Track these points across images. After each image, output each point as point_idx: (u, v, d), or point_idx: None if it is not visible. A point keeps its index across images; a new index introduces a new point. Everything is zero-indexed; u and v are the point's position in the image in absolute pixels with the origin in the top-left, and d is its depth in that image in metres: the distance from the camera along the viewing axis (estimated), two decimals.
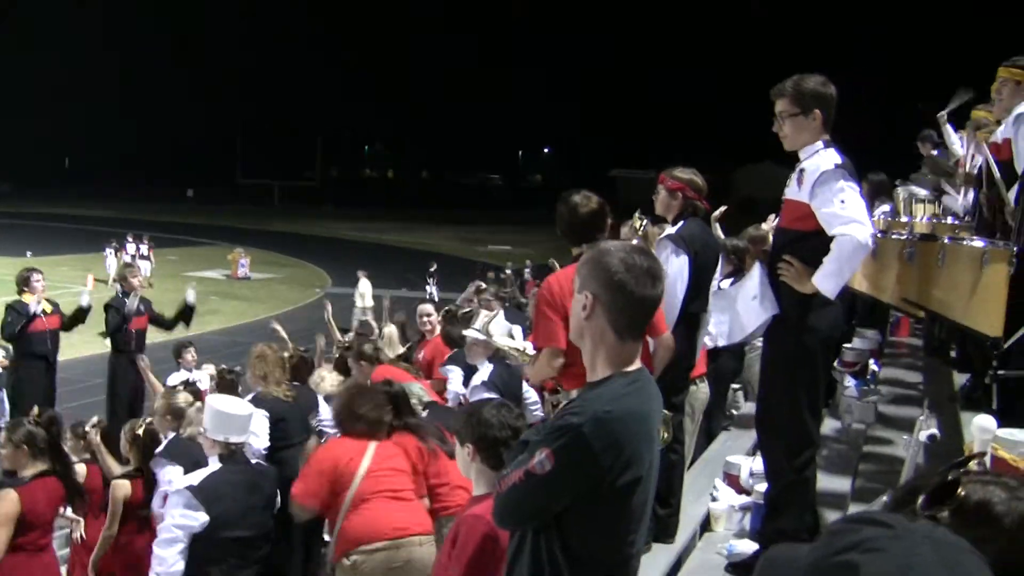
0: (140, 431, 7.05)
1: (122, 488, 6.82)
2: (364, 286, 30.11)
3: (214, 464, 5.51)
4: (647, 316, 2.88)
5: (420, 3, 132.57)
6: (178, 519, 5.19)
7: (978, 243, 5.29)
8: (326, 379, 8.91)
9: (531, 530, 2.83)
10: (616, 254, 2.83)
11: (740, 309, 5.09)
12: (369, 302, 29.67)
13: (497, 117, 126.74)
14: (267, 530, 5.63)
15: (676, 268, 5.45)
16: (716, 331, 5.62)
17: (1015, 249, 4.93)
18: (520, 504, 2.80)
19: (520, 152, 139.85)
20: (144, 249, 38.22)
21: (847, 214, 4.57)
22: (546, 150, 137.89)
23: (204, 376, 11.54)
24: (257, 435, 7.05)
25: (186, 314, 13.72)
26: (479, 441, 3.84)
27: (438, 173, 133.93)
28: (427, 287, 34.15)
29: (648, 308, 2.85)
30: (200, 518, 5.17)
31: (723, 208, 8.04)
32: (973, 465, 1.89)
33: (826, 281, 4.62)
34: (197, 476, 5.39)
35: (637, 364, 2.86)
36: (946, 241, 5.60)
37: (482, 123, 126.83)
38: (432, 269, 35.60)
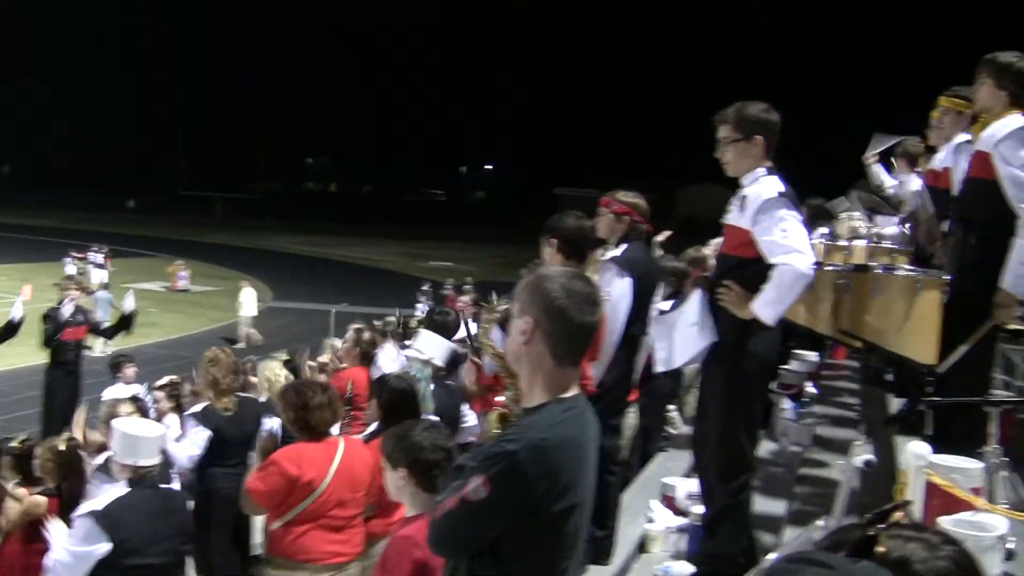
0: (63, 447, 6.64)
1: (40, 506, 6.16)
2: (246, 295, 29.00)
3: (121, 488, 5.24)
4: (585, 342, 2.87)
5: (393, 13, 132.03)
6: (77, 546, 4.97)
7: (911, 272, 5.36)
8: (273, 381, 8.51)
9: (466, 556, 2.81)
10: (556, 279, 2.82)
11: (678, 336, 5.11)
12: (251, 311, 28.76)
13: (440, 133, 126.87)
14: (178, 558, 5.46)
15: (620, 290, 5.47)
16: (656, 357, 5.63)
17: (947, 277, 5.01)
18: (455, 531, 2.77)
19: (463, 169, 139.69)
20: (100, 258, 37.63)
21: (789, 243, 4.61)
22: (488, 167, 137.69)
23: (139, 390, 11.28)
24: (194, 444, 6.92)
25: (126, 322, 13.61)
26: (413, 464, 3.80)
27: (380, 188, 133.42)
28: (418, 305, 33.33)
29: (587, 334, 2.84)
30: (100, 548, 4.94)
31: (667, 233, 8.08)
32: (899, 515, 1.91)
33: (766, 309, 4.66)
34: (102, 501, 5.12)
35: (574, 390, 2.84)
36: (879, 271, 5.67)
37: (425, 138, 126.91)
38: (425, 288, 35.10)
